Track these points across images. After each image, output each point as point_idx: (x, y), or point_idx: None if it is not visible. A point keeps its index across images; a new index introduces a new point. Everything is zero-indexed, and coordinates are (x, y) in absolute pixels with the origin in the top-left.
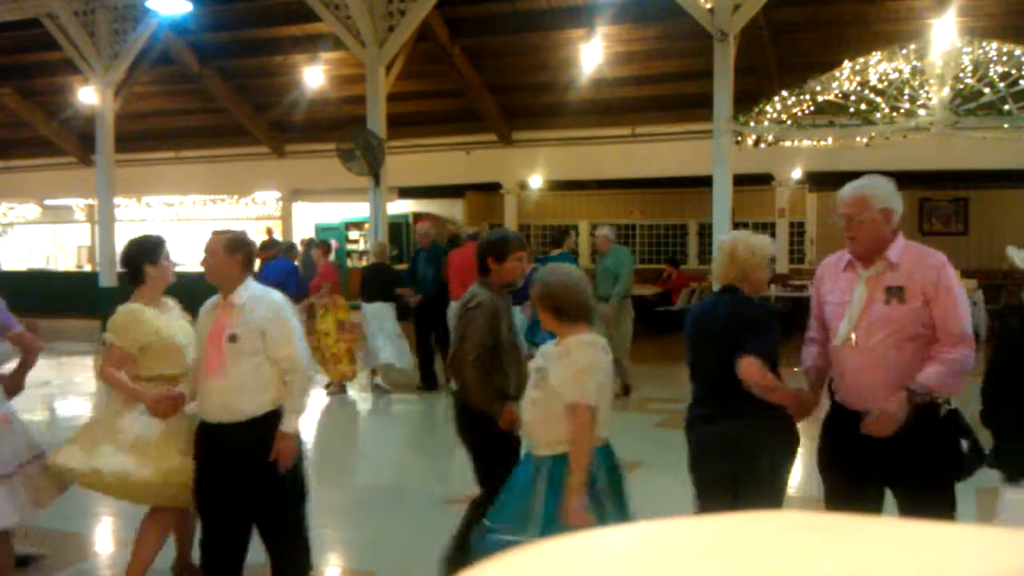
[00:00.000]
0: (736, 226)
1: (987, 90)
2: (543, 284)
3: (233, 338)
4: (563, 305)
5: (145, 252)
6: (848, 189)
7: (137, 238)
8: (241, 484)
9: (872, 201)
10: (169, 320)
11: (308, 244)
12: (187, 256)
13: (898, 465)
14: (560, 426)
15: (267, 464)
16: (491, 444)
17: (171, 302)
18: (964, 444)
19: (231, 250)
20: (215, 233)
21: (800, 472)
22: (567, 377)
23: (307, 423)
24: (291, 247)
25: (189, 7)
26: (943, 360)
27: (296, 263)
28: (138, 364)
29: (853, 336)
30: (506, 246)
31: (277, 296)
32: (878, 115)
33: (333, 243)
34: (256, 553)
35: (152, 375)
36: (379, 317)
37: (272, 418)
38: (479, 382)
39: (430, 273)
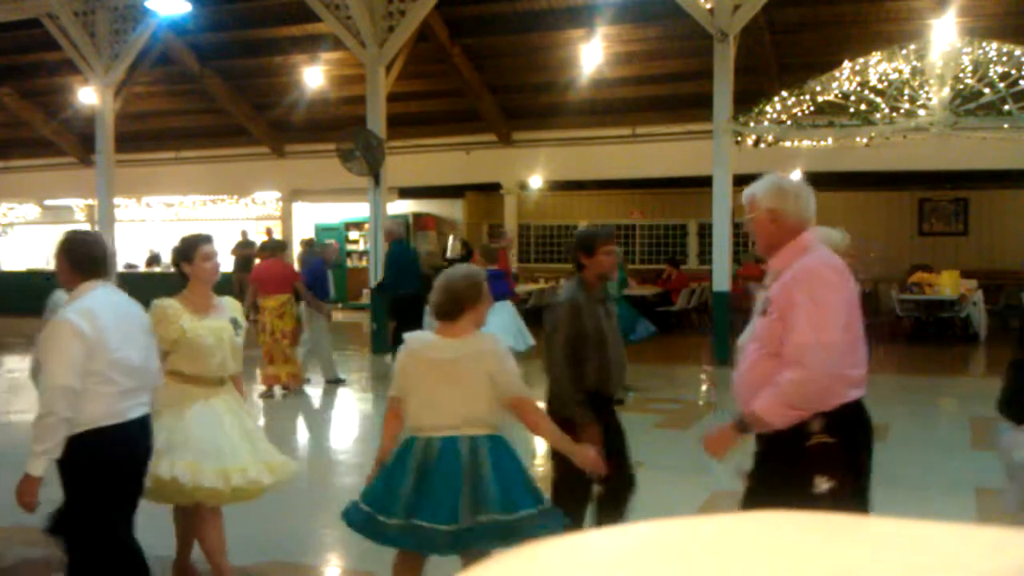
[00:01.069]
0: (736, 226)
1: (987, 90)
2: None
3: None
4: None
5: (179, 251)
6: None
7: (183, 236)
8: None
9: (759, 201)
10: (201, 320)
11: (309, 244)
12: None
13: (751, 492)
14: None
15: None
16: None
17: (225, 302)
18: (822, 484)
19: (55, 252)
20: None
21: None
22: None
23: (307, 422)
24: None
25: (189, 7)
26: (775, 383)
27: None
28: (169, 359)
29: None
30: (594, 240)
31: (61, 315)
32: (878, 115)
33: (334, 243)
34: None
35: (172, 369)
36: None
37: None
38: (559, 382)
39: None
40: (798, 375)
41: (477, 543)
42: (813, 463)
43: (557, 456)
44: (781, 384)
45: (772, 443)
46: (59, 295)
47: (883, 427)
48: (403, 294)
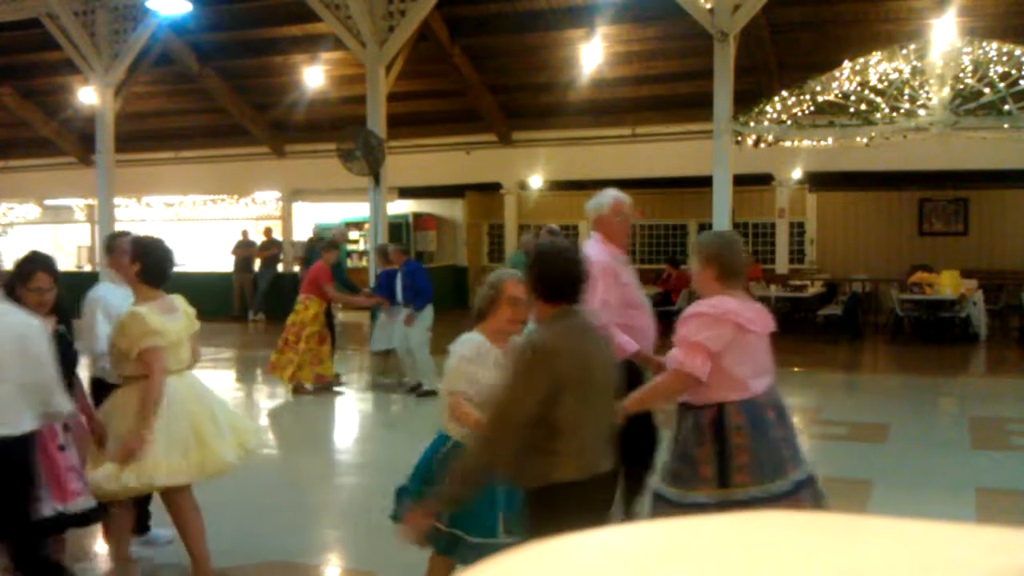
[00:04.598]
0: (736, 226)
1: (987, 90)
2: None
3: None
4: None
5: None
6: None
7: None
8: None
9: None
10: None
11: (312, 243)
12: (188, 256)
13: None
14: None
15: None
16: None
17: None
18: None
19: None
20: None
21: None
22: None
23: (308, 423)
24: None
25: (189, 7)
26: None
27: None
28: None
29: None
30: None
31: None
32: (878, 115)
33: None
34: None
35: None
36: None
37: None
38: None
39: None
40: None
41: None
42: None
43: None
44: None
45: None
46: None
47: (883, 427)
48: None
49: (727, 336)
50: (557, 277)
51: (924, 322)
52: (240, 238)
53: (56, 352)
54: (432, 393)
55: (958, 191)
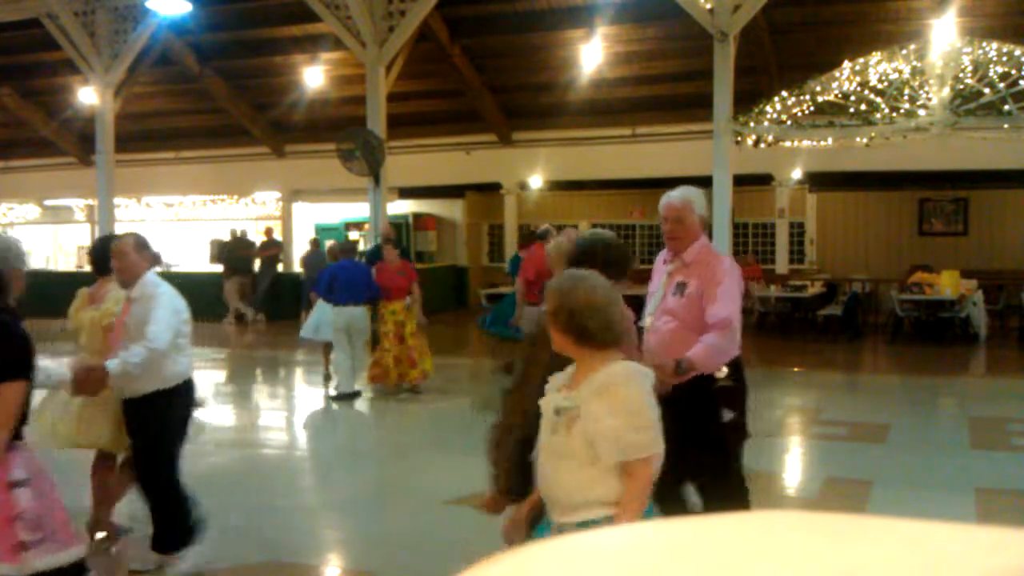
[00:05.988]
0: (736, 226)
1: (987, 90)
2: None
3: None
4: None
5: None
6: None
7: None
8: None
9: (695, 206)
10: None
11: (314, 244)
12: (187, 256)
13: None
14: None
15: None
16: None
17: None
18: (725, 415)
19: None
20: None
21: (800, 472)
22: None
23: (308, 423)
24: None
25: (189, 7)
26: (704, 340)
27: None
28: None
29: (649, 320)
30: None
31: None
32: (878, 115)
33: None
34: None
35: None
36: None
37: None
38: None
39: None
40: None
41: None
42: (718, 400)
43: None
44: (710, 340)
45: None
46: None
47: (883, 427)
48: None
49: None
50: None
51: (924, 322)
52: (241, 237)
53: None
54: (349, 397)
55: (958, 191)
